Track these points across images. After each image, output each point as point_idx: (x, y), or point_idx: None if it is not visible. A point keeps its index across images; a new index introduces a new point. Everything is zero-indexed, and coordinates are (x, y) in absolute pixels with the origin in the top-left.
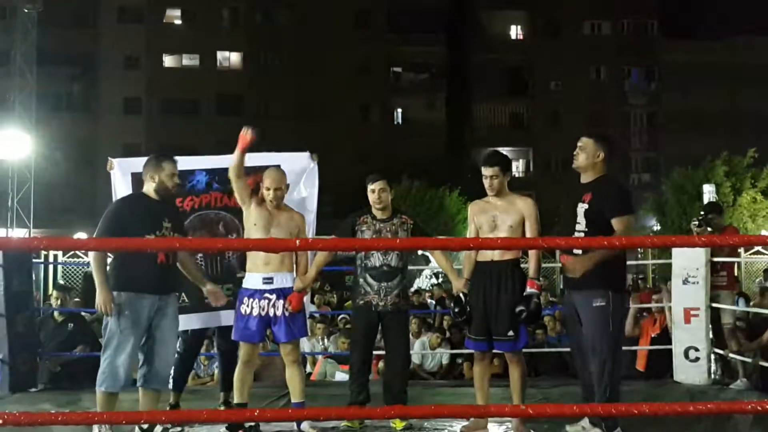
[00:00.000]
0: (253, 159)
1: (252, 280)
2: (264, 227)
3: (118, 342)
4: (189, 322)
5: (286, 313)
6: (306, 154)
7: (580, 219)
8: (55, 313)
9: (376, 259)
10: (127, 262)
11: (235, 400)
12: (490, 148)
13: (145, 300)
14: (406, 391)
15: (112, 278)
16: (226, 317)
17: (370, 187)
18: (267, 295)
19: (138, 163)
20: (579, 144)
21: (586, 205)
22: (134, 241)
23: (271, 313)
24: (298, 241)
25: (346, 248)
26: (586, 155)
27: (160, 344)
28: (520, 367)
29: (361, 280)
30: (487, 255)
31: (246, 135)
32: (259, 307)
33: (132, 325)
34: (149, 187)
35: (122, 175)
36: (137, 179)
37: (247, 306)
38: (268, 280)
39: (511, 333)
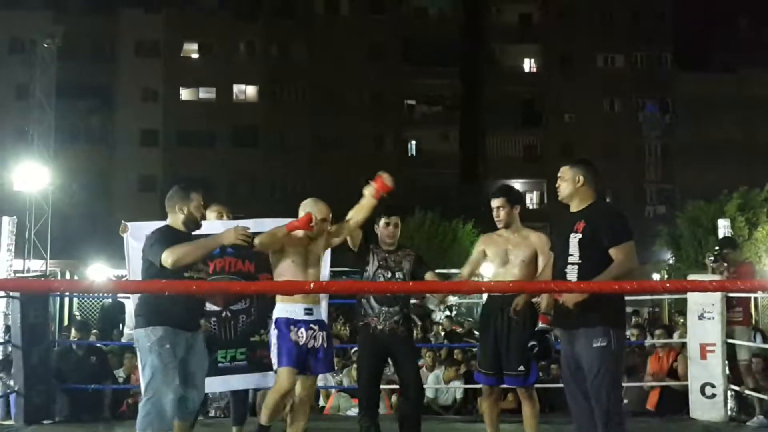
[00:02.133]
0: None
1: (292, 309)
2: (302, 264)
3: (163, 378)
4: (243, 381)
5: (325, 345)
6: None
7: (573, 250)
8: (74, 346)
9: None
10: (164, 297)
11: (263, 422)
12: (503, 180)
13: (180, 336)
14: (420, 424)
15: (149, 313)
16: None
17: (384, 220)
18: (311, 325)
19: (152, 228)
20: (558, 175)
21: (579, 235)
22: (153, 284)
23: (310, 344)
24: (312, 284)
25: (359, 290)
26: (566, 183)
27: (193, 378)
28: (531, 403)
29: (363, 300)
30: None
31: (386, 180)
32: (306, 336)
33: (173, 359)
34: (176, 220)
35: (135, 240)
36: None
37: (295, 333)
38: (309, 311)
39: (521, 368)
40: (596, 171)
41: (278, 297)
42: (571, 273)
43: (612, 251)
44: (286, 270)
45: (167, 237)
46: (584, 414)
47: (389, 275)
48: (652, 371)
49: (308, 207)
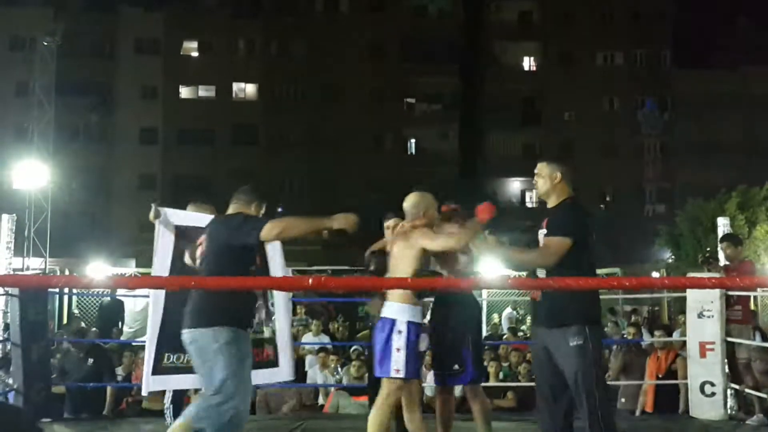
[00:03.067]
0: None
1: (416, 312)
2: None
3: (239, 382)
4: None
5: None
6: None
7: (541, 244)
8: (72, 348)
9: None
10: (228, 296)
11: None
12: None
13: (243, 335)
14: None
15: (214, 312)
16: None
17: (387, 224)
18: (423, 329)
19: (184, 217)
20: (535, 172)
21: (544, 230)
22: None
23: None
24: (310, 280)
25: (358, 287)
26: (543, 180)
27: (249, 381)
28: (478, 402)
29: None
30: None
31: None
32: (425, 342)
33: (244, 360)
34: (231, 211)
35: (165, 228)
36: (182, 232)
37: (421, 342)
38: (423, 314)
39: (456, 367)
40: (571, 169)
41: (397, 297)
42: (540, 269)
43: (545, 239)
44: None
45: (255, 216)
46: (547, 412)
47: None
48: (650, 372)
49: (427, 201)
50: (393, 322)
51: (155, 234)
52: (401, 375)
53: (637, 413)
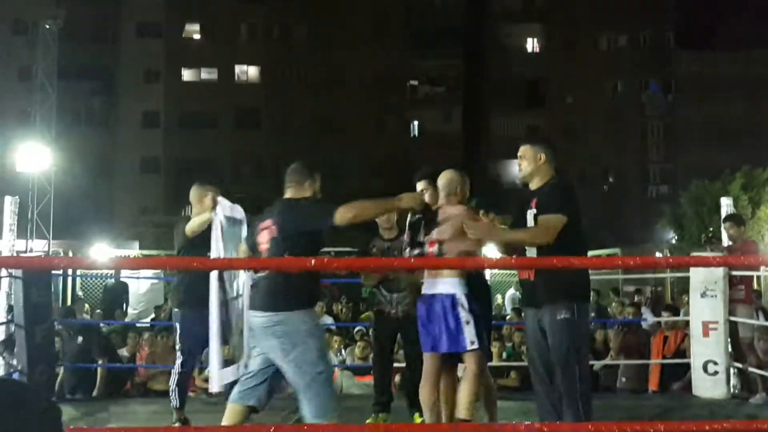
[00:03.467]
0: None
1: (462, 286)
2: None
3: (326, 367)
4: None
5: None
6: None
7: (530, 224)
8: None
9: (390, 272)
10: (309, 277)
11: (468, 416)
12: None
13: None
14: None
15: (302, 294)
16: None
17: (421, 187)
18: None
19: (230, 209)
20: (519, 154)
21: (534, 210)
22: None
23: None
24: (313, 261)
25: (360, 267)
26: (527, 162)
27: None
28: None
29: (375, 290)
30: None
31: None
32: None
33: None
34: (301, 194)
35: (224, 217)
36: (231, 221)
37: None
38: None
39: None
40: (555, 149)
41: (454, 272)
42: (530, 249)
43: (539, 218)
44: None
45: (321, 202)
46: (543, 393)
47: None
48: (657, 351)
49: (461, 179)
50: (452, 296)
51: (214, 224)
52: (476, 346)
53: (649, 392)
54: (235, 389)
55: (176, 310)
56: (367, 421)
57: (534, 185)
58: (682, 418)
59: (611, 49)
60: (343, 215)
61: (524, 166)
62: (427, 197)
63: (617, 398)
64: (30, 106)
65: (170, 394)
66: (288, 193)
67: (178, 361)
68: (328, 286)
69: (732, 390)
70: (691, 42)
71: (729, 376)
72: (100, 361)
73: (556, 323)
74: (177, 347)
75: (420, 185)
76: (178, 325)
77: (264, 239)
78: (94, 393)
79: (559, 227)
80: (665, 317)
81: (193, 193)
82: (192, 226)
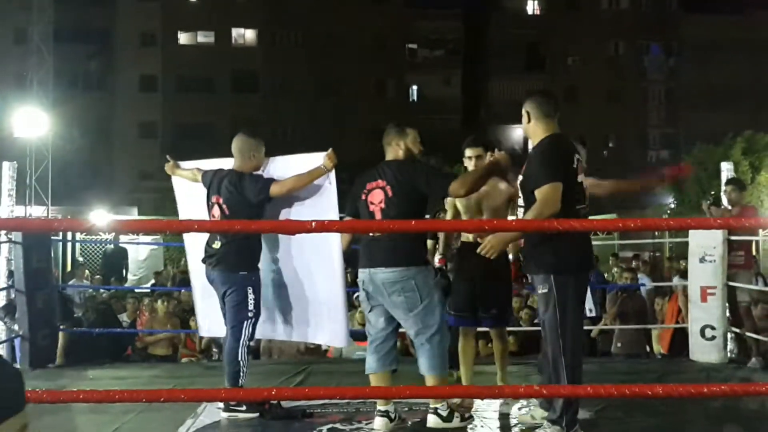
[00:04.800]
0: (276, 164)
1: None
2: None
3: (444, 322)
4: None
5: None
6: (321, 155)
7: (520, 193)
8: None
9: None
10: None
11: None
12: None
13: None
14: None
15: (422, 250)
16: None
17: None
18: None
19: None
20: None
21: (521, 177)
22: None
23: None
24: (313, 223)
25: (362, 230)
26: (524, 120)
27: None
28: (502, 342)
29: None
30: (471, 236)
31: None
32: None
33: None
34: (395, 155)
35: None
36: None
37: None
38: None
39: (494, 311)
40: (548, 101)
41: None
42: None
43: (535, 194)
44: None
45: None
46: (546, 357)
47: None
48: (671, 315)
49: None
50: None
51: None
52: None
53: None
54: (371, 359)
55: (244, 273)
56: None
57: (531, 145)
58: (679, 382)
59: (613, 12)
60: (456, 189)
61: (524, 123)
62: (471, 166)
63: (614, 362)
64: (26, 71)
65: (240, 352)
66: (390, 155)
67: (250, 321)
68: None
69: (729, 355)
70: (693, 4)
71: (726, 341)
72: (61, 327)
73: (539, 296)
74: (250, 309)
75: (471, 152)
76: (251, 289)
77: (377, 198)
78: (56, 362)
79: (558, 195)
80: (677, 282)
81: (246, 144)
82: (291, 185)
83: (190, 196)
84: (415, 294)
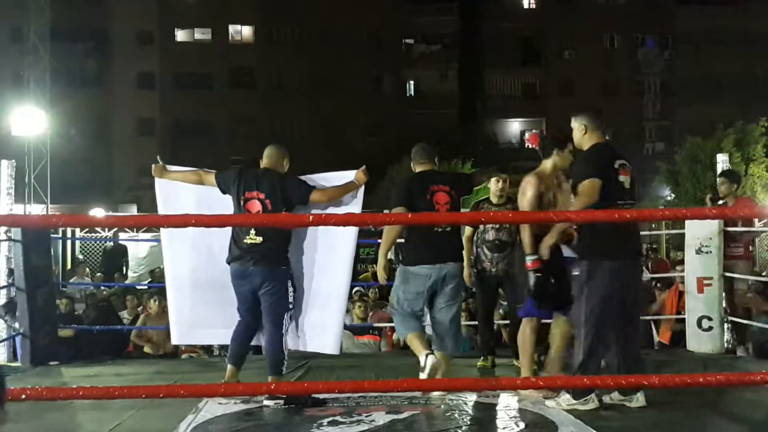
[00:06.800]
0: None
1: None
2: None
3: None
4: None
5: None
6: (352, 172)
7: (573, 192)
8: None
9: (490, 235)
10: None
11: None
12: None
13: None
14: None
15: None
16: None
17: (494, 178)
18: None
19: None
20: (571, 126)
21: (571, 179)
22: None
23: None
24: (311, 217)
25: (358, 223)
26: (575, 133)
27: None
28: (567, 327)
29: (479, 250)
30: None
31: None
32: None
33: None
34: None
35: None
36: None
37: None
38: None
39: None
40: (598, 116)
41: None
42: None
43: (577, 188)
44: None
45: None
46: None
47: (497, 225)
48: (670, 306)
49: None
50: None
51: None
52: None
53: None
54: (440, 344)
55: (285, 267)
56: (478, 363)
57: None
58: (675, 372)
59: (608, 5)
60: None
61: (575, 137)
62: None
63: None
64: (23, 69)
65: (283, 342)
66: (434, 167)
67: (290, 313)
68: None
69: (726, 345)
70: None
71: (723, 331)
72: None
73: (573, 279)
74: (290, 301)
75: (499, 177)
76: (290, 282)
77: (443, 200)
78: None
79: (595, 189)
80: (680, 272)
81: (279, 152)
82: (332, 194)
83: (175, 198)
84: (459, 286)
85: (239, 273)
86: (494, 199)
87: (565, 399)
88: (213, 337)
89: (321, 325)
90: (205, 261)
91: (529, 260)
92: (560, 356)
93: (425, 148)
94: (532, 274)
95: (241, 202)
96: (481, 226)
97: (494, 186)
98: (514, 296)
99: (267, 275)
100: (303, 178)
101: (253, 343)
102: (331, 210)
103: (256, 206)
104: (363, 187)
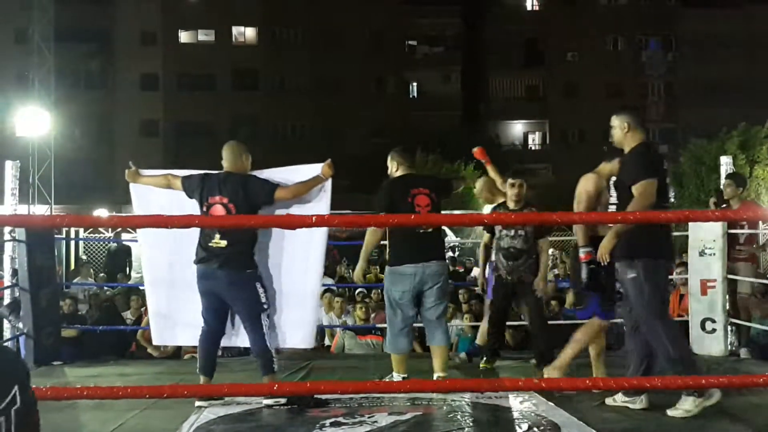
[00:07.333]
0: (270, 174)
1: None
2: None
3: None
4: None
5: None
6: (318, 165)
7: (612, 192)
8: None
9: (505, 243)
10: None
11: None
12: (505, 122)
13: None
14: (553, 348)
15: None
16: None
17: (510, 182)
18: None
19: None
20: (610, 125)
21: (615, 177)
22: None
23: None
24: (314, 217)
25: (361, 224)
26: (616, 131)
27: None
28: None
29: (495, 257)
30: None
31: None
32: None
33: None
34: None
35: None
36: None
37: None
38: None
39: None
40: (638, 115)
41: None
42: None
43: (633, 189)
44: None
45: None
46: (631, 343)
47: (512, 232)
48: (672, 308)
49: None
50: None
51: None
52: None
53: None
54: (432, 338)
55: (251, 270)
56: (481, 364)
57: (625, 151)
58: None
59: (611, 7)
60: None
61: (615, 134)
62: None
63: (616, 355)
64: (27, 70)
65: (266, 342)
66: (407, 171)
67: (266, 312)
68: (329, 247)
69: (729, 347)
70: None
71: (727, 333)
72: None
73: (627, 283)
74: (263, 301)
75: (515, 181)
76: (259, 284)
77: (423, 202)
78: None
79: (654, 189)
80: (679, 272)
81: (237, 147)
82: (296, 190)
83: (149, 203)
84: (445, 282)
85: (204, 274)
86: (511, 204)
87: (620, 396)
88: (194, 338)
89: (297, 321)
90: (181, 262)
91: (582, 252)
92: (601, 358)
93: (404, 152)
94: (584, 266)
95: (205, 208)
96: (497, 234)
97: (510, 191)
98: (525, 302)
99: (232, 279)
100: (266, 173)
101: (241, 345)
102: (298, 206)
103: (219, 211)
104: (330, 181)
